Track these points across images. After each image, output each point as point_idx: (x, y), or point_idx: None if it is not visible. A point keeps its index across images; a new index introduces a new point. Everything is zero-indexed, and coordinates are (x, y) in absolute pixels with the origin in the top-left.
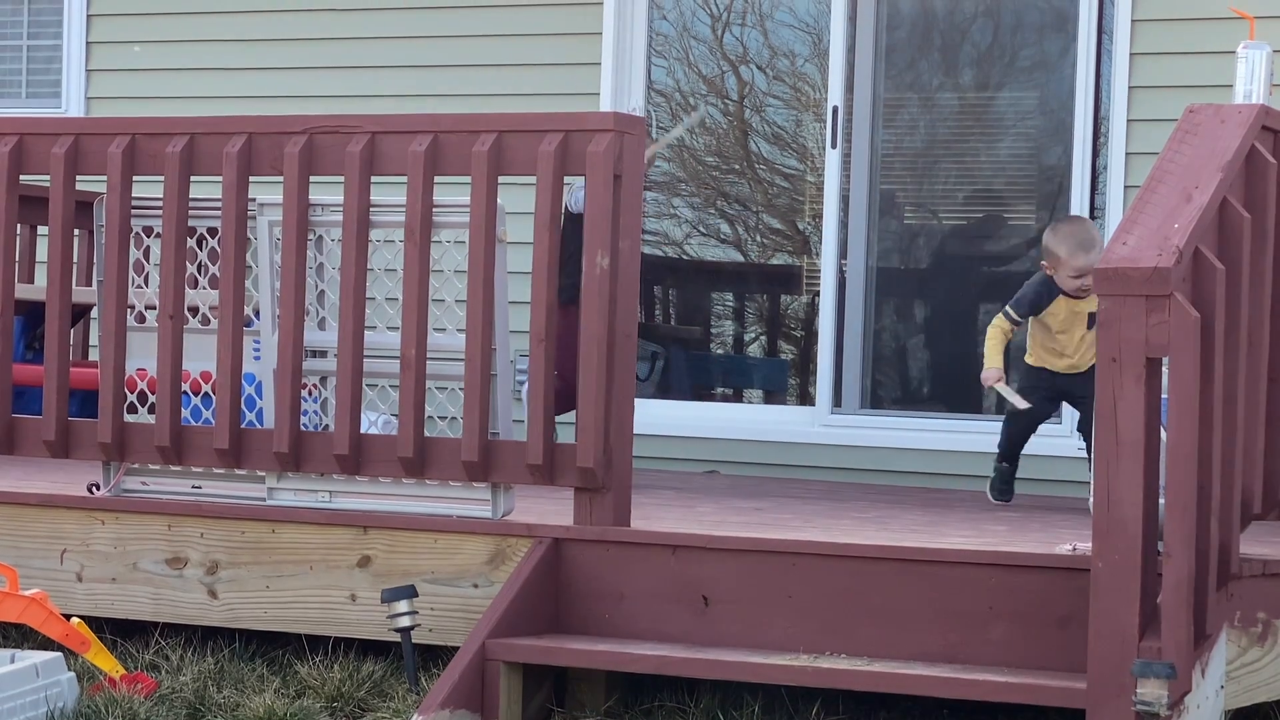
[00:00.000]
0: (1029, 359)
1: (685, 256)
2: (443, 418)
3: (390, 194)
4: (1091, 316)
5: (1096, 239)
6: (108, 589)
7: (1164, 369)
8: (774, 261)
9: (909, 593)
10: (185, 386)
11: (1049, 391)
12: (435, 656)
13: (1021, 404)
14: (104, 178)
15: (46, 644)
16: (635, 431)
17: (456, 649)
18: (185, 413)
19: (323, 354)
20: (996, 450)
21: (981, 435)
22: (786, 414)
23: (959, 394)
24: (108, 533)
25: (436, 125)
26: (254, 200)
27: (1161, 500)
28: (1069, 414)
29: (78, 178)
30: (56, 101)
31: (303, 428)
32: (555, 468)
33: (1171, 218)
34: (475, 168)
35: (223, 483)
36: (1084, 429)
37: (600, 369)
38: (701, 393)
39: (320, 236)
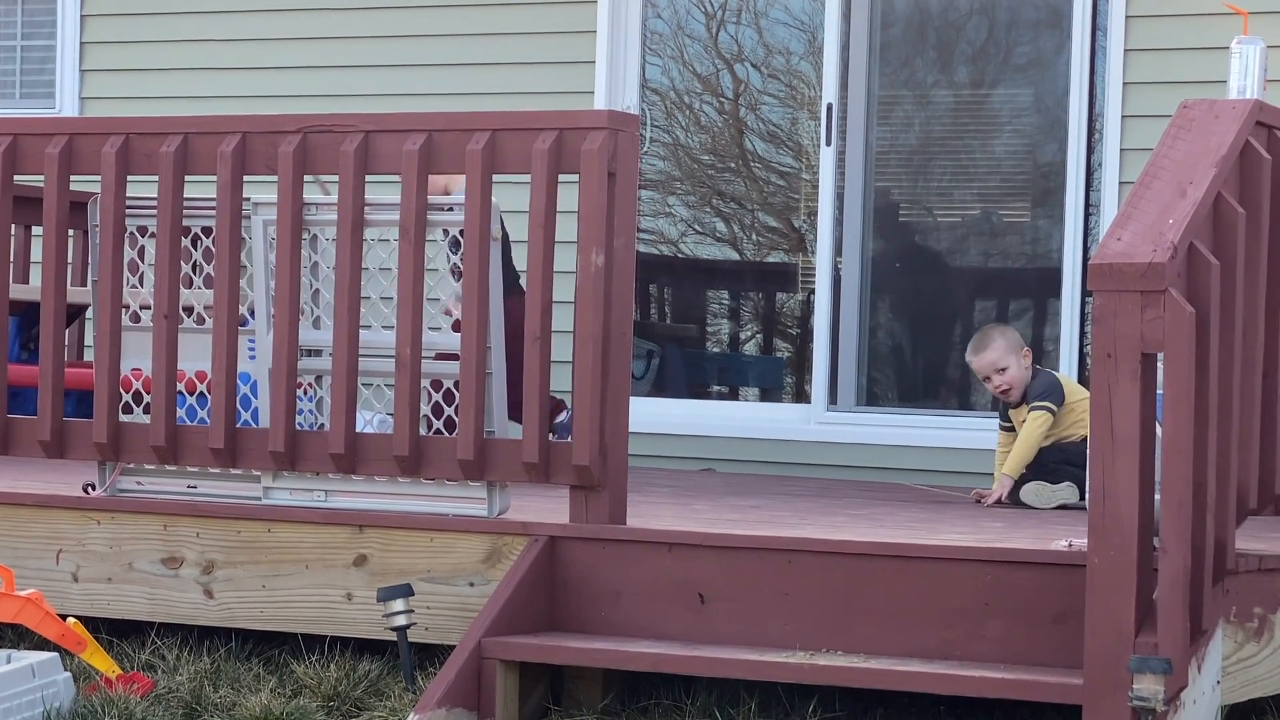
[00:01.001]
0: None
1: (681, 255)
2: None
3: (385, 193)
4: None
5: (987, 342)
6: (104, 589)
7: (1159, 365)
8: (769, 259)
9: (905, 590)
10: (180, 386)
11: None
12: (432, 655)
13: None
14: (98, 178)
15: (43, 644)
16: (631, 430)
17: (453, 647)
18: (180, 412)
19: (318, 353)
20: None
21: (977, 432)
22: (782, 412)
23: (954, 391)
24: (103, 532)
25: (431, 124)
26: (248, 199)
27: (1157, 496)
28: None
29: (72, 178)
30: (50, 102)
31: (298, 427)
32: (551, 466)
33: (1166, 213)
34: (469, 166)
35: (218, 482)
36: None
37: (595, 367)
38: (697, 391)
39: (315, 235)
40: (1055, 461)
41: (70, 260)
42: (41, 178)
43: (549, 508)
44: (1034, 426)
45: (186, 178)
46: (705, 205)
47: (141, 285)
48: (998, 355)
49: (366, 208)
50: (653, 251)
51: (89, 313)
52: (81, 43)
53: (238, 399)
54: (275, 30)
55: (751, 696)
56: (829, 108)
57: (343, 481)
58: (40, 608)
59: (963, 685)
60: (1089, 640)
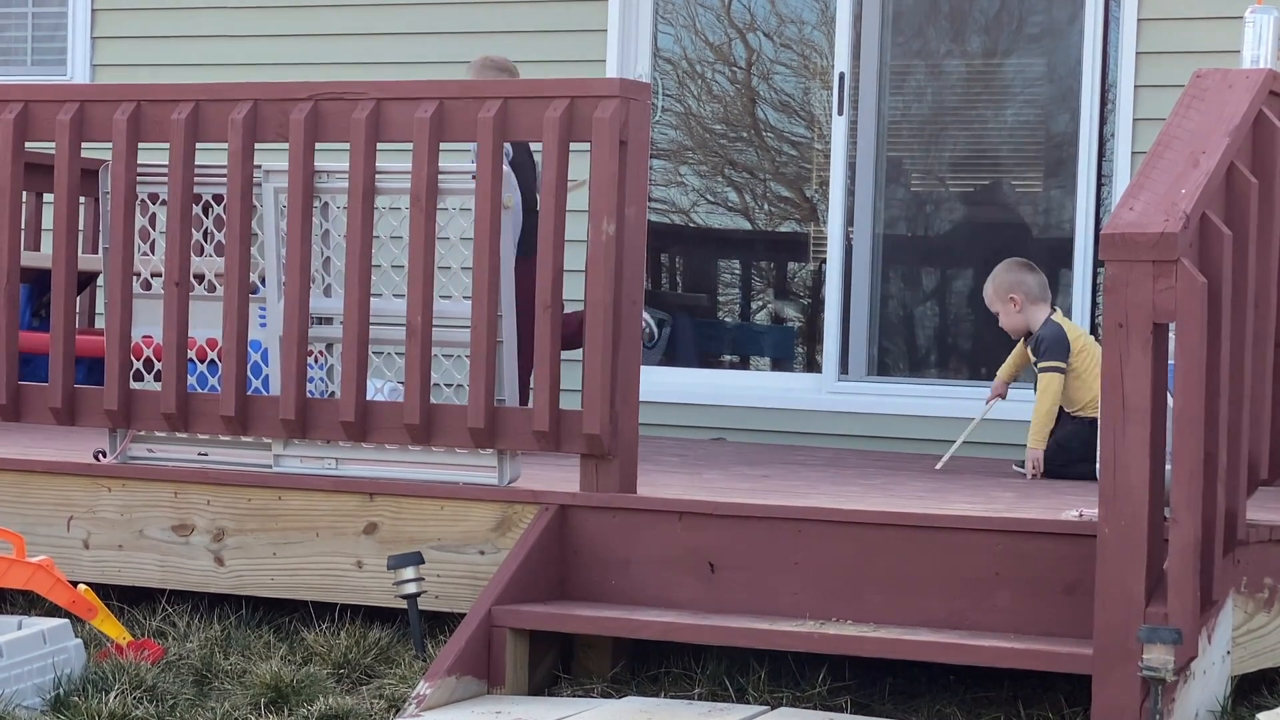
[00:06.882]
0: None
1: (692, 224)
2: (449, 385)
3: (396, 160)
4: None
5: (987, 283)
6: (114, 556)
7: (1171, 335)
8: (781, 229)
9: (915, 559)
10: (191, 354)
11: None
12: (442, 623)
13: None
14: (110, 145)
15: (53, 611)
16: (641, 399)
17: (463, 616)
18: (191, 380)
19: (328, 321)
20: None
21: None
22: (793, 381)
23: (965, 361)
24: (114, 500)
25: (442, 91)
26: (259, 167)
27: (1168, 466)
28: None
29: (83, 145)
30: (62, 69)
31: (309, 395)
32: (561, 434)
33: (1179, 183)
34: (481, 134)
35: (229, 450)
36: None
37: (606, 336)
38: (708, 360)
39: (326, 203)
40: (1070, 460)
41: (81, 228)
42: (53, 145)
43: (560, 476)
44: (1044, 391)
45: (197, 145)
46: (717, 175)
47: (153, 253)
48: (988, 300)
49: (377, 175)
50: (664, 221)
51: (100, 280)
52: (93, 9)
53: (248, 367)
54: None
55: (761, 665)
56: (841, 77)
57: (353, 449)
58: (51, 574)
59: (973, 655)
60: (1099, 610)
